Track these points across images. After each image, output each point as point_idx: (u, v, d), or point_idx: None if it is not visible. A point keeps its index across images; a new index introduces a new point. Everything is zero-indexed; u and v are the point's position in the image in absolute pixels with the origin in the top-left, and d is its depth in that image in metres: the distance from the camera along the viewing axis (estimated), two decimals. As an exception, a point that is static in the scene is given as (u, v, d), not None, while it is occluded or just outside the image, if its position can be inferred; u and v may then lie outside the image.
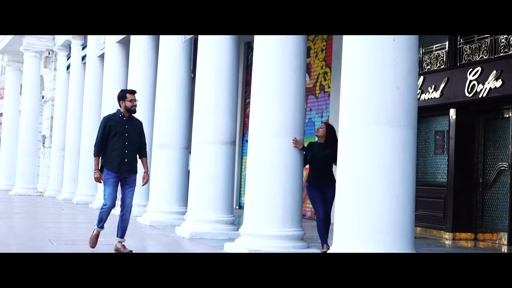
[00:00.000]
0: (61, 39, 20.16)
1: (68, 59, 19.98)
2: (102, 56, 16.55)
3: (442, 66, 10.73)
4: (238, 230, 8.31)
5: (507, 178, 9.99)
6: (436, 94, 10.64)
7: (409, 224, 5.93)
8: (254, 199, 7.74)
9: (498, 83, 9.53)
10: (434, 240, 10.45)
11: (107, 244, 7.36)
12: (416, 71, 6.17)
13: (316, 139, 8.18)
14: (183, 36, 11.23)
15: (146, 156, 7.56)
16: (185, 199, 10.83)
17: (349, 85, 6.07)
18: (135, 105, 7.40)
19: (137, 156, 7.43)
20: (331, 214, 7.33)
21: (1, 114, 26.97)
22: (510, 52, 9.53)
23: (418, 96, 10.65)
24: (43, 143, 22.66)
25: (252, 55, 12.21)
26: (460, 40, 10.45)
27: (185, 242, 8.93)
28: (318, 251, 7.77)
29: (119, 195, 7.31)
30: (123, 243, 7.33)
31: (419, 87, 10.75)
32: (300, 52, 7.82)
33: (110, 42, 15.30)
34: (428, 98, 10.79)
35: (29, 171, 22.34)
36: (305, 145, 7.94)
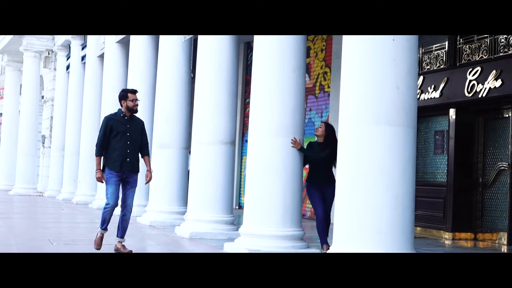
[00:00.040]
0: (60, 39, 20.16)
1: (67, 59, 19.98)
2: (101, 56, 16.55)
3: (442, 66, 10.74)
4: (238, 230, 8.31)
5: (506, 178, 9.99)
6: (436, 94, 10.65)
7: (409, 224, 5.93)
8: (254, 199, 7.75)
9: (498, 83, 9.53)
10: (434, 240, 10.45)
11: (107, 244, 7.36)
12: (415, 71, 6.17)
13: (316, 138, 8.18)
14: (182, 36, 11.23)
15: (148, 155, 7.57)
16: (185, 199, 10.84)
17: (349, 85, 6.07)
18: (137, 105, 7.40)
19: (139, 155, 7.43)
20: (331, 214, 7.33)
21: (1, 114, 26.97)
22: (510, 52, 9.54)
23: (418, 96, 10.65)
24: (43, 143, 22.66)
25: (252, 55, 12.20)
26: (459, 40, 10.46)
27: (185, 242, 8.94)
28: (318, 251, 7.77)
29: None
30: (123, 243, 7.34)
31: (418, 87, 10.75)
32: (299, 52, 7.83)
33: (109, 42, 15.30)
34: (427, 98, 10.79)
35: (29, 171, 22.35)
36: (305, 145, 7.95)
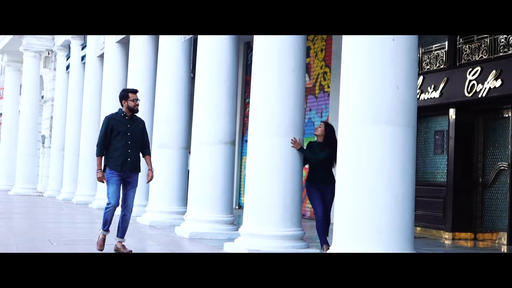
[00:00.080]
0: (60, 39, 20.16)
1: (67, 59, 19.98)
2: (101, 56, 16.55)
3: (442, 66, 10.73)
4: (237, 230, 8.31)
5: (506, 177, 9.99)
6: (436, 94, 10.65)
7: (408, 224, 5.93)
8: (254, 199, 7.75)
9: (498, 83, 9.53)
10: (434, 240, 10.45)
11: (107, 244, 7.36)
12: (415, 71, 6.17)
13: (315, 138, 8.18)
14: (182, 36, 11.23)
15: (150, 154, 7.57)
16: (185, 199, 10.84)
17: (348, 85, 6.07)
18: (138, 104, 7.40)
19: (140, 155, 7.44)
20: (331, 214, 7.32)
21: (1, 114, 26.97)
22: (510, 52, 9.54)
23: (418, 96, 10.65)
24: (43, 143, 22.66)
25: (251, 55, 12.20)
26: (459, 40, 10.46)
27: (185, 242, 8.94)
28: (318, 251, 7.77)
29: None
30: (123, 243, 7.34)
31: (418, 87, 10.75)
32: (299, 52, 7.82)
33: (109, 42, 15.30)
34: (427, 98, 10.79)
35: (28, 171, 22.34)
36: (305, 144, 7.95)
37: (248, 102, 8.95)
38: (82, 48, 18.46)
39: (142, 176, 7.56)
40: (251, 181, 7.85)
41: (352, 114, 5.99)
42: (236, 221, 9.72)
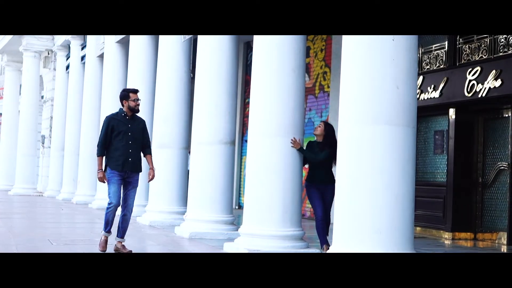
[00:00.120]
0: (60, 39, 20.15)
1: (67, 59, 19.98)
2: (101, 56, 16.55)
3: (442, 66, 10.73)
4: (237, 230, 8.31)
5: (506, 177, 9.99)
6: (436, 94, 10.65)
7: (408, 223, 5.93)
8: (254, 199, 7.74)
9: (498, 83, 9.53)
10: (434, 240, 10.45)
11: (107, 244, 7.35)
12: (415, 71, 6.17)
13: (315, 138, 8.18)
14: (182, 36, 11.23)
15: (150, 154, 7.57)
16: (185, 199, 10.84)
17: (348, 85, 6.07)
18: (138, 104, 7.41)
19: (141, 155, 7.44)
20: (331, 214, 7.32)
21: (1, 114, 26.96)
22: (510, 52, 9.54)
23: (418, 96, 10.65)
24: (43, 143, 22.67)
25: (251, 55, 12.20)
26: (459, 40, 10.46)
27: (185, 242, 8.93)
28: (317, 251, 7.77)
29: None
30: (122, 243, 7.34)
31: (418, 86, 10.75)
32: (299, 52, 7.82)
33: (109, 42, 15.30)
34: (427, 98, 10.79)
35: (28, 171, 22.34)
36: (304, 144, 7.95)
37: (248, 102, 8.95)
38: (82, 48, 18.46)
39: (142, 176, 7.55)
40: (251, 181, 7.85)
41: (352, 114, 5.99)
42: (236, 221, 9.72)
